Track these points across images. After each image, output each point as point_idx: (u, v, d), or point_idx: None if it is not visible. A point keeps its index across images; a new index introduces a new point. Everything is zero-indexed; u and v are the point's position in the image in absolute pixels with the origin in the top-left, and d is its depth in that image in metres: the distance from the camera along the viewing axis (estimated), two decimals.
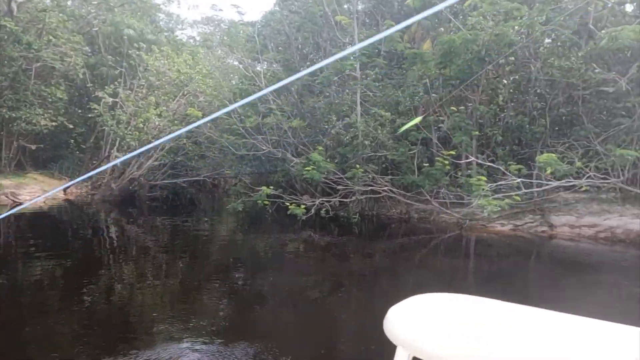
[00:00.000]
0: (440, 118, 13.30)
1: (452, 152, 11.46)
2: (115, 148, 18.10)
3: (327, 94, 14.89)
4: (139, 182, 18.44)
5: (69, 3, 22.01)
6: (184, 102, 18.34)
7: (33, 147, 18.92)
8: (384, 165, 13.86)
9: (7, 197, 15.65)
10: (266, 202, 12.00)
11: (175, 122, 17.42)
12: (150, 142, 17.58)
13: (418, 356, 0.98)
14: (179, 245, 10.73)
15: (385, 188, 12.99)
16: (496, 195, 10.18)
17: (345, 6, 16.23)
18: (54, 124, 18.29)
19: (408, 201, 13.63)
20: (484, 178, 10.23)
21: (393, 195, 13.37)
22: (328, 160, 12.74)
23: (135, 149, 17.71)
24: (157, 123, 17.45)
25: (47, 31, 18.39)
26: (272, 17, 18.68)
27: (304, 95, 15.30)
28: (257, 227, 13.56)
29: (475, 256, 10.22)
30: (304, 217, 11.35)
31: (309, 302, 6.51)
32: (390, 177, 13.28)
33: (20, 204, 15.60)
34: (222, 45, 24.97)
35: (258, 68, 17.98)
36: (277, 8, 18.89)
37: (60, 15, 19.18)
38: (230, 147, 14.05)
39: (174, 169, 19.27)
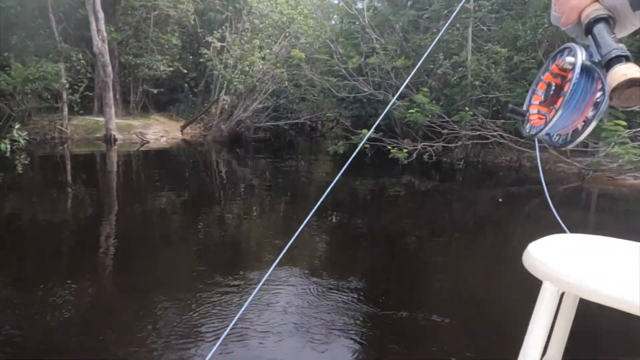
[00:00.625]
0: None
1: None
2: (223, 91, 19.18)
3: (435, 30, 13.77)
4: (245, 124, 19.49)
5: None
6: (285, 44, 18.47)
7: (155, 91, 20.85)
8: (494, 109, 12.71)
9: (137, 135, 17.72)
10: (366, 145, 11.86)
11: (278, 64, 17.71)
12: (255, 85, 18.35)
13: (570, 291, 0.91)
14: (281, 184, 11.27)
15: (495, 133, 11.98)
16: (634, 143, 8.78)
17: None
18: (170, 69, 19.82)
19: (520, 148, 12.48)
20: (623, 122, 8.80)
21: (503, 141, 12.32)
22: (433, 102, 12.02)
23: (242, 92, 18.63)
24: (260, 66, 17.94)
25: None
26: None
27: (409, 32, 14.33)
28: (355, 170, 13.63)
29: (598, 211, 9.13)
30: (405, 162, 11.06)
31: (406, 245, 6.46)
32: (502, 121, 12.16)
33: (147, 142, 17.62)
34: None
35: (359, 5, 17.18)
36: None
37: None
38: (332, 90, 13.92)
39: (276, 111, 19.93)
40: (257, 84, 18.43)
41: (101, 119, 17.23)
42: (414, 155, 11.73)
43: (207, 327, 3.69)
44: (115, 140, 16.58)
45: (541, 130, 0.64)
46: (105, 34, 16.34)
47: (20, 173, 11.22)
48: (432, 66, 13.75)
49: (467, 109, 11.73)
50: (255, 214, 8.35)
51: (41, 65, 15.26)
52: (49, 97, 16.18)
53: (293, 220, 7.60)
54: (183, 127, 20.11)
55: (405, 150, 11.16)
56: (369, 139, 12.02)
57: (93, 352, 3.37)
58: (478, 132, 12.08)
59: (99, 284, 4.74)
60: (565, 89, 0.60)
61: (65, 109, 16.55)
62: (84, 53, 17.70)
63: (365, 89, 13.49)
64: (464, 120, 11.68)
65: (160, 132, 18.99)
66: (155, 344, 3.44)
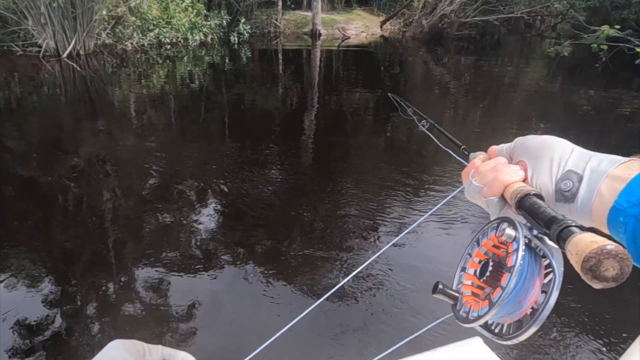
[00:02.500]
0: None
1: None
2: None
3: None
4: (448, 20, 17.69)
5: None
6: None
7: None
8: None
9: (339, 31, 18.10)
10: (603, 46, 9.41)
11: None
12: None
13: None
14: (480, 89, 10.15)
15: None
16: None
17: None
18: None
19: None
20: None
21: None
22: None
23: None
24: None
25: None
26: None
27: None
28: (577, 77, 11.19)
29: None
30: None
31: None
32: None
33: (348, 37, 17.87)
34: None
35: None
36: None
37: None
38: None
39: (487, 3, 17.34)
40: None
41: (309, 13, 18.02)
42: None
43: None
44: (320, 35, 17.30)
45: (486, 313, 0.50)
46: None
47: (244, 63, 12.92)
48: None
49: None
50: (449, 118, 7.84)
51: None
52: None
53: (487, 135, 6.87)
54: (383, 23, 19.54)
55: None
56: (608, 39, 9.48)
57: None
58: None
59: (297, 164, 5.31)
60: (509, 263, 0.50)
61: (280, 4, 17.78)
62: None
63: None
64: None
65: (360, 27, 18.92)
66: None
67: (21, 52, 11.59)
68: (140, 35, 13.51)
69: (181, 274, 3.26)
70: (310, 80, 11.15)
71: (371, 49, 16.36)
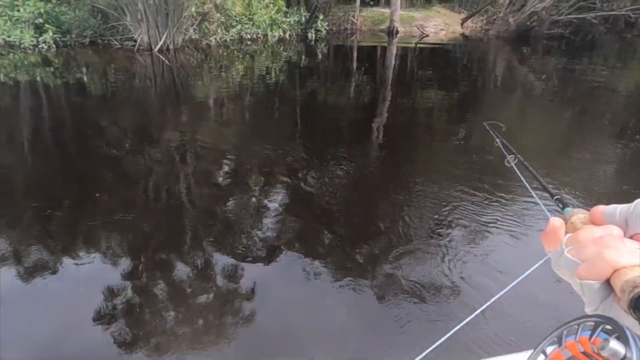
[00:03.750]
0: None
1: None
2: None
3: None
4: (539, 17, 16.48)
5: None
6: None
7: None
8: None
9: (417, 28, 17.62)
10: None
11: None
12: None
13: None
14: (568, 95, 9.33)
15: None
16: None
17: None
18: None
19: None
20: None
21: None
22: None
23: None
24: None
25: None
26: None
27: None
28: None
29: None
30: None
31: None
32: None
33: (426, 35, 17.35)
34: None
35: None
36: None
37: None
38: None
39: (585, 0, 15.88)
40: None
41: (387, 10, 17.74)
42: None
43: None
44: (397, 32, 16.97)
45: None
46: None
47: (320, 60, 13.04)
48: None
49: None
50: (525, 125, 7.32)
51: None
52: None
53: (574, 143, 6.29)
54: (464, 20, 18.70)
55: None
56: None
57: None
58: None
59: (362, 157, 5.24)
60: None
61: (358, 1, 17.69)
62: None
63: None
64: None
65: (440, 25, 18.27)
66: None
67: (119, 46, 12.68)
68: (224, 31, 14.17)
69: (248, 263, 3.35)
70: (383, 78, 10.97)
71: (450, 48, 15.73)
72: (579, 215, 0.50)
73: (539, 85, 10.32)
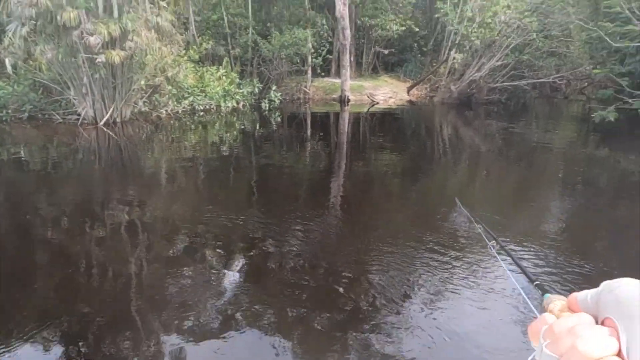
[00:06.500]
0: None
1: None
2: (454, 50, 17.81)
3: None
4: (477, 84, 17.75)
5: None
6: None
7: (385, 51, 21.03)
8: None
9: (367, 96, 18.37)
10: None
11: (526, 12, 15.11)
12: (494, 40, 16.27)
13: None
14: (510, 153, 9.75)
15: None
16: None
17: None
18: (402, 28, 19.49)
19: None
20: None
21: None
22: None
23: (477, 49, 16.86)
24: (503, 17, 15.71)
25: None
26: None
27: None
28: (624, 143, 10.64)
29: None
30: None
31: None
32: None
33: (376, 103, 18.08)
34: None
35: None
36: None
37: None
38: (606, 38, 10.68)
39: (516, 69, 17.38)
40: (498, 37, 16.29)
41: (337, 80, 18.47)
42: None
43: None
44: (349, 100, 17.57)
45: None
46: None
47: (274, 129, 13.03)
48: None
49: None
50: (477, 182, 7.40)
51: (293, 33, 17.15)
52: (297, 61, 18.21)
53: (528, 196, 6.36)
54: (410, 88, 19.80)
55: None
56: None
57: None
58: None
59: (322, 223, 4.87)
60: None
61: (309, 72, 18.35)
62: (327, 18, 19.04)
63: None
64: None
65: (388, 92, 19.19)
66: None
67: (61, 120, 12.06)
68: (175, 102, 13.98)
69: (203, 341, 2.97)
70: (338, 143, 11.03)
71: (399, 114, 16.40)
72: (557, 302, 0.50)
73: (484, 145, 10.75)
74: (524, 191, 6.94)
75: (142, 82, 12.27)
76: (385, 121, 14.88)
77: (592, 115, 10.83)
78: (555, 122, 15.04)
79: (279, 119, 14.62)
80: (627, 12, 9.20)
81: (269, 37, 17.58)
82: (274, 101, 17.04)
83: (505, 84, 17.54)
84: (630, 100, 9.83)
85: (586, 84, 19.01)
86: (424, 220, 5.45)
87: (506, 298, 3.56)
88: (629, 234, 4.85)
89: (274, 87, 17.24)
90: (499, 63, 16.66)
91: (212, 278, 3.90)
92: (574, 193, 6.81)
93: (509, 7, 15.50)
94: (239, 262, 4.18)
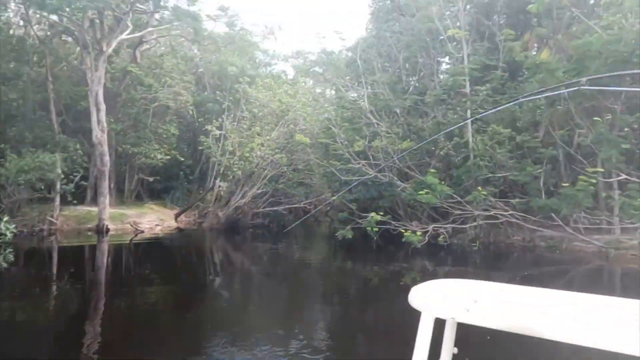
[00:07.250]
0: (569, 133, 11.74)
1: (601, 170, 9.86)
2: (219, 179, 19.01)
3: (434, 115, 14.06)
4: (242, 210, 19.01)
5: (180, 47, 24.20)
6: (284, 131, 18.77)
7: (150, 179, 20.59)
8: (502, 188, 12.52)
9: (130, 225, 16.99)
10: (375, 229, 11.36)
11: (277, 150, 17.78)
12: (254, 171, 18.26)
13: (439, 317, 1.34)
14: (277, 271, 10.61)
15: (507, 213, 11.64)
16: None
17: (449, 21, 15.28)
18: (167, 157, 19.77)
19: (532, 227, 12.08)
20: None
21: (515, 220, 11.93)
22: (442, 183, 11.80)
23: (240, 179, 18.45)
24: (259, 152, 18.00)
25: (163, 74, 20.26)
26: (371, 41, 18.25)
27: (411, 115, 14.57)
28: (362, 255, 12.95)
29: (631, 293, 8.48)
30: (419, 245, 10.48)
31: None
32: (516, 200, 11.81)
33: (141, 231, 16.85)
34: (318, 74, 25.60)
35: (354, 94, 17.79)
36: (375, 31, 18.61)
37: (173, 59, 21.10)
38: (336, 173, 13.58)
39: (274, 196, 19.62)
40: (256, 169, 18.36)
41: (94, 208, 16.62)
42: (426, 238, 11.19)
43: None
44: (108, 230, 15.81)
45: None
46: (105, 124, 16.43)
47: (4, 269, 10.29)
48: (433, 148, 13.80)
49: (479, 188, 11.46)
50: (254, 303, 7.58)
51: (37, 156, 15.01)
52: (42, 187, 15.71)
53: (288, 314, 6.85)
54: (177, 215, 19.50)
55: (419, 234, 10.66)
56: (376, 222, 11.56)
57: None
58: (491, 212, 11.70)
59: None
60: None
61: (58, 199, 15.96)
62: (82, 143, 17.63)
63: (369, 172, 13.27)
64: (476, 200, 11.35)
65: (154, 220, 18.32)
66: None
67: None
68: None
69: None
70: (94, 280, 9.52)
71: (167, 242, 15.71)
72: None
73: (253, 266, 11.26)
74: (292, 305, 7.38)
75: None
76: (152, 251, 13.91)
77: (336, 234, 12.98)
78: (309, 240, 17.25)
79: (11, 257, 11.71)
80: (347, 154, 12.12)
81: (2, 160, 14.83)
82: (4, 235, 13.74)
83: (266, 209, 19.42)
84: (359, 221, 12.31)
85: (329, 208, 22.91)
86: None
87: None
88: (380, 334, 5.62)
89: (5, 218, 14.05)
90: (260, 191, 18.54)
91: None
92: (332, 301, 7.65)
93: (262, 144, 17.96)
94: None
